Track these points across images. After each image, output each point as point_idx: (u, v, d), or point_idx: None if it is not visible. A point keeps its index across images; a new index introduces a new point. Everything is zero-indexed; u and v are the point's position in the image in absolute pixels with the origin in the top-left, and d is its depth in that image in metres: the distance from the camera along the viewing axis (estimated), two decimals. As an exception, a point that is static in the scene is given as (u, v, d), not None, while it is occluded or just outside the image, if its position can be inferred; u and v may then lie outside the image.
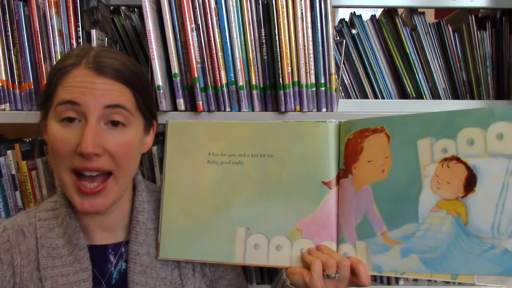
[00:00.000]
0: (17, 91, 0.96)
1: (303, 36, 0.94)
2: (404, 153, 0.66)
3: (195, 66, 0.93)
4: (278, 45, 0.93)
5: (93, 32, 0.95)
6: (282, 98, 0.94)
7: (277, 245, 0.70)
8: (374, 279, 1.15)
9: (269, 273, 1.11)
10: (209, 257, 0.73)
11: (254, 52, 0.96)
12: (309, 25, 0.94)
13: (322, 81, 0.95)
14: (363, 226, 0.67)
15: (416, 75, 1.09)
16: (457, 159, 0.62)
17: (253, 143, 0.72)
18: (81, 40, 0.94)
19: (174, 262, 0.74)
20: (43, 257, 0.68)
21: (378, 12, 1.21)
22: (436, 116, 0.65)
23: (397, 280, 1.13)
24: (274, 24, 0.93)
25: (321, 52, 0.94)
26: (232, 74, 0.95)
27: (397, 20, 1.08)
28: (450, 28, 1.08)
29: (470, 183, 0.61)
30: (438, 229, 0.63)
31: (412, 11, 1.10)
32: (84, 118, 0.62)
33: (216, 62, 0.93)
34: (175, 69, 0.94)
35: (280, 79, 0.94)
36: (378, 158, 0.67)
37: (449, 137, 0.63)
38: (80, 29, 0.93)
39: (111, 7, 1.15)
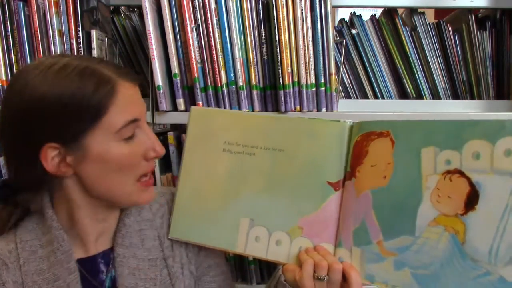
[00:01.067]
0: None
1: (303, 36, 0.94)
2: (407, 161, 0.63)
3: (195, 66, 0.94)
4: (278, 45, 0.93)
5: (93, 32, 0.95)
6: (282, 98, 0.94)
7: (277, 240, 0.71)
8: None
9: (269, 273, 1.11)
10: (213, 243, 0.74)
11: (254, 52, 0.96)
12: (309, 25, 0.94)
13: (322, 81, 0.95)
14: (360, 232, 0.66)
15: (416, 75, 1.09)
16: (461, 172, 0.58)
17: (267, 136, 0.73)
18: (81, 40, 0.94)
19: (162, 262, 0.73)
20: (29, 287, 0.65)
21: (378, 12, 1.21)
22: (442, 125, 0.61)
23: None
24: (274, 24, 0.93)
25: (321, 52, 0.94)
26: (232, 74, 0.95)
27: (397, 20, 1.08)
28: (450, 28, 1.08)
29: (472, 200, 0.57)
30: (434, 245, 0.60)
31: (412, 11, 1.10)
32: (137, 128, 0.66)
33: (216, 62, 0.93)
34: (175, 69, 0.94)
35: (280, 79, 0.94)
36: (381, 163, 0.65)
37: (454, 148, 0.59)
38: (80, 29, 0.93)
39: (111, 7, 1.15)
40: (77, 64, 0.62)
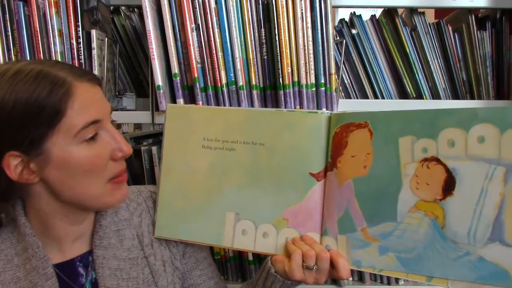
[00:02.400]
0: None
1: (303, 36, 0.94)
2: (386, 150, 0.65)
3: (195, 66, 0.94)
4: (278, 45, 0.93)
5: (93, 32, 0.95)
6: (282, 98, 0.94)
7: (263, 232, 0.72)
8: (375, 279, 1.15)
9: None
10: (200, 238, 0.75)
11: (254, 52, 0.96)
12: (309, 25, 0.94)
13: (322, 81, 0.95)
14: (344, 220, 0.68)
15: (416, 75, 1.09)
16: (437, 160, 0.61)
17: (246, 131, 0.73)
18: (81, 40, 0.94)
19: (143, 261, 0.73)
20: None
21: (378, 12, 1.21)
22: (418, 114, 0.64)
23: (397, 280, 1.13)
24: (274, 24, 0.93)
25: (321, 52, 0.94)
26: (232, 74, 0.95)
27: (397, 20, 1.08)
28: (450, 28, 1.08)
29: (449, 186, 0.60)
30: (416, 230, 0.62)
31: (412, 11, 1.10)
32: (100, 129, 0.64)
33: (216, 62, 0.93)
34: (175, 69, 0.94)
35: (280, 79, 0.94)
36: (360, 154, 0.67)
37: (430, 136, 0.62)
38: (80, 29, 0.93)
39: (111, 7, 1.15)
40: (31, 69, 0.60)
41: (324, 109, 0.72)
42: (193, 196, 0.75)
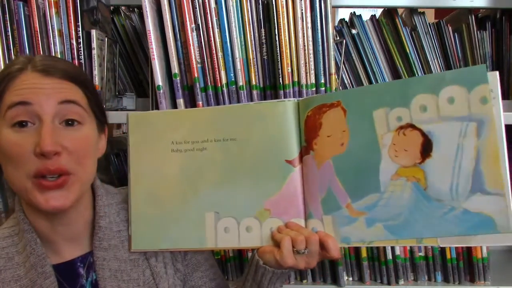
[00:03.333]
0: None
1: (303, 36, 0.94)
2: (361, 125, 0.67)
3: (195, 66, 0.93)
4: (278, 45, 0.93)
5: (93, 32, 0.95)
6: (282, 98, 0.94)
7: (246, 227, 0.71)
8: (374, 278, 1.15)
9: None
10: (181, 244, 0.73)
11: (254, 52, 0.96)
12: (309, 25, 0.94)
13: (322, 81, 0.95)
14: (328, 200, 0.69)
15: (416, 75, 1.08)
16: (412, 126, 0.63)
17: (215, 128, 0.73)
18: (81, 40, 0.94)
19: (144, 262, 0.73)
20: None
21: (378, 12, 1.21)
22: (389, 86, 0.67)
23: (397, 280, 1.13)
24: (274, 24, 0.93)
25: (321, 52, 0.94)
26: (232, 74, 0.95)
27: (397, 20, 1.08)
28: (450, 28, 1.08)
29: (426, 148, 0.63)
30: (400, 196, 0.64)
31: (412, 11, 1.10)
32: (38, 119, 0.61)
33: (216, 62, 0.93)
34: (175, 69, 0.94)
35: (280, 79, 0.94)
36: (336, 132, 0.68)
37: (402, 105, 0.64)
38: (80, 29, 0.93)
39: (111, 7, 1.15)
40: (24, 55, 0.66)
41: (291, 98, 0.72)
42: (167, 202, 0.73)
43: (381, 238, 0.65)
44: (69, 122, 0.63)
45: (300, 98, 0.72)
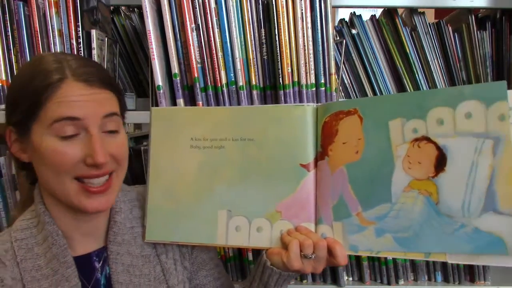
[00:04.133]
0: None
1: (303, 36, 0.94)
2: (376, 134, 0.66)
3: (195, 66, 0.93)
4: (278, 45, 0.93)
5: (93, 32, 0.95)
6: (282, 98, 0.94)
7: (257, 227, 0.72)
8: (374, 278, 1.15)
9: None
10: (192, 239, 0.75)
11: (254, 52, 0.96)
12: (309, 25, 0.94)
13: (322, 81, 0.95)
14: (339, 207, 0.69)
15: (416, 75, 1.09)
16: (428, 139, 0.63)
17: (234, 128, 0.74)
18: (81, 40, 0.94)
19: (155, 259, 0.74)
20: (28, 282, 0.65)
21: (378, 12, 1.21)
22: (406, 97, 0.67)
23: (397, 280, 1.13)
24: (274, 24, 0.93)
25: (321, 52, 0.94)
26: (232, 74, 0.95)
27: (397, 20, 1.08)
28: (450, 28, 1.08)
29: (441, 162, 0.62)
30: (411, 209, 0.63)
31: (412, 11, 1.10)
32: (84, 130, 0.63)
33: (216, 62, 0.93)
34: (175, 69, 0.94)
35: (280, 79, 0.94)
36: (352, 140, 0.68)
37: (419, 117, 0.63)
38: (80, 29, 0.93)
39: (111, 7, 1.15)
40: (51, 57, 0.65)
41: (310, 103, 0.73)
42: (183, 197, 0.75)
43: (390, 249, 0.65)
44: (110, 131, 0.66)
45: (319, 104, 0.72)
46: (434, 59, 1.08)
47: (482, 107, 0.59)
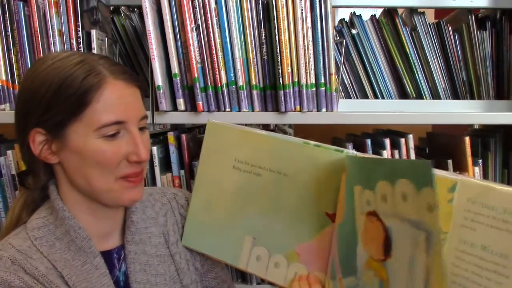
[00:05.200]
0: (17, 91, 0.96)
1: (303, 36, 0.94)
2: (348, 198, 0.61)
3: (195, 66, 0.94)
4: (278, 45, 0.93)
5: (93, 32, 0.95)
6: (282, 98, 0.94)
7: (275, 262, 0.72)
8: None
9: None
10: (219, 255, 0.77)
11: (254, 52, 0.96)
12: (309, 25, 0.94)
13: (322, 81, 0.95)
14: (332, 266, 0.66)
15: (416, 75, 1.09)
16: (377, 215, 0.55)
17: (273, 159, 0.73)
18: (81, 40, 0.94)
19: (169, 259, 0.75)
20: (63, 269, 0.65)
21: (378, 12, 1.21)
22: (362, 162, 0.59)
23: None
24: (274, 24, 0.93)
25: (321, 52, 0.94)
26: (232, 74, 0.95)
27: (397, 20, 1.08)
28: (450, 28, 1.08)
29: (387, 246, 0.53)
30: None
31: (412, 11, 1.10)
32: (125, 129, 0.65)
33: (216, 62, 0.93)
34: (175, 69, 0.94)
35: (280, 79, 0.94)
36: (341, 197, 0.65)
37: (370, 188, 0.55)
38: (80, 29, 0.93)
39: (111, 7, 1.15)
40: (76, 56, 0.65)
41: (350, 150, 0.71)
42: (218, 213, 0.76)
43: None
44: (141, 128, 0.69)
45: (358, 154, 0.66)
46: (434, 59, 1.08)
47: (413, 189, 0.49)
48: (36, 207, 0.71)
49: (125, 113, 0.64)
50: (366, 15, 1.13)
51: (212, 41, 0.93)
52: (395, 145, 1.00)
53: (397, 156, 0.98)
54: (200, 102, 0.95)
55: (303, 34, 0.93)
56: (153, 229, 0.75)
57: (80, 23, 0.93)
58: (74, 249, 0.67)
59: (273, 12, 0.92)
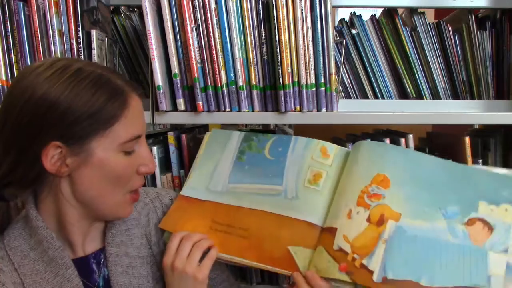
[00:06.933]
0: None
1: (303, 36, 0.93)
2: None
3: (195, 66, 0.93)
4: (278, 45, 0.93)
5: (93, 32, 0.95)
6: (282, 98, 0.94)
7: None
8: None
9: (269, 274, 1.11)
10: None
11: (254, 52, 0.96)
12: (309, 25, 0.94)
13: (322, 81, 0.95)
14: None
15: (416, 75, 1.09)
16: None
17: None
18: (81, 40, 0.94)
19: (152, 259, 0.75)
20: (30, 286, 0.64)
21: (378, 12, 1.21)
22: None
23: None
24: (274, 24, 0.93)
25: (321, 52, 0.94)
26: (232, 74, 0.94)
27: (397, 20, 1.08)
28: (450, 28, 1.08)
29: None
30: None
31: (412, 11, 1.10)
32: (137, 142, 0.68)
33: (216, 62, 0.93)
34: (175, 69, 0.94)
35: (280, 79, 0.94)
36: None
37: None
38: (80, 29, 0.93)
39: (111, 7, 1.15)
40: (91, 71, 0.64)
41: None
42: None
43: None
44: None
45: None
46: (434, 59, 1.08)
47: None
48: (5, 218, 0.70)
49: (141, 126, 0.68)
50: (366, 15, 1.13)
51: (212, 41, 0.93)
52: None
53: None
54: (200, 102, 0.95)
55: (303, 34, 0.93)
56: (134, 230, 0.74)
57: (80, 23, 0.93)
58: (46, 259, 0.66)
59: (273, 12, 0.92)
